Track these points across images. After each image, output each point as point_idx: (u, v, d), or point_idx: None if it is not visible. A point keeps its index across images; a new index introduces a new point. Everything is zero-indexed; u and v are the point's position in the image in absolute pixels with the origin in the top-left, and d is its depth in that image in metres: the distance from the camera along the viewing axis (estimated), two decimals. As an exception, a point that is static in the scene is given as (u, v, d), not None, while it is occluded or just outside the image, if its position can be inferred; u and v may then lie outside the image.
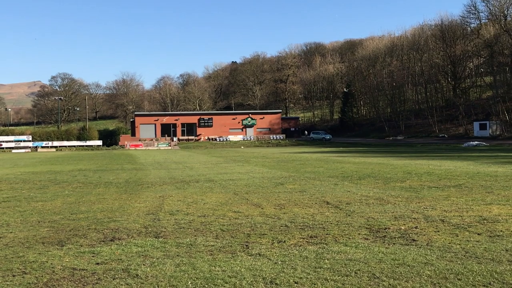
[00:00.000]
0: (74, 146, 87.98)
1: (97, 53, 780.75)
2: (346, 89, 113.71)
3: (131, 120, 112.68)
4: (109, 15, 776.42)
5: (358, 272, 6.62)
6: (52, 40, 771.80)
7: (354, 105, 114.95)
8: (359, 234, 8.99)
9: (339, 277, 6.40)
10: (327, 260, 7.27)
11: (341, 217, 10.72)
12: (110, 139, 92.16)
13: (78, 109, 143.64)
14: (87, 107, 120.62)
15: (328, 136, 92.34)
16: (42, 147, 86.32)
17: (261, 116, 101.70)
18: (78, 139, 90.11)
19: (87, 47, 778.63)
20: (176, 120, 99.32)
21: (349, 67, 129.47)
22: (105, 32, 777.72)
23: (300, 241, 8.52)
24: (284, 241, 8.52)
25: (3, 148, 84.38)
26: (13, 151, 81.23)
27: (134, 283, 6.30)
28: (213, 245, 8.31)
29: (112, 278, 6.53)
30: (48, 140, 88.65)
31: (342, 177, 20.58)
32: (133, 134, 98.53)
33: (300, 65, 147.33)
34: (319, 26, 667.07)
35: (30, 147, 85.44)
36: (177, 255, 7.69)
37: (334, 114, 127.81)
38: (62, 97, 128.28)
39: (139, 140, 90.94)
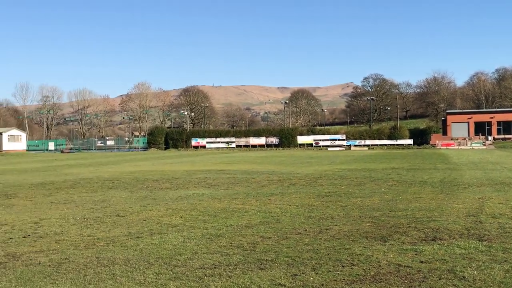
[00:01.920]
0: (385, 144, 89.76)
1: (406, 53, 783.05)
2: None
3: (443, 118, 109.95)
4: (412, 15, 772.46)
5: None
6: (363, 44, 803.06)
7: None
8: None
9: None
10: None
11: None
12: (420, 138, 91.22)
13: (388, 108, 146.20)
14: (397, 106, 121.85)
15: None
16: (355, 145, 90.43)
17: None
18: (389, 138, 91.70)
19: (397, 48, 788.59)
20: (491, 118, 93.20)
21: None
22: (408, 33, 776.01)
23: None
24: None
25: (320, 146, 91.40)
26: (329, 149, 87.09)
27: (462, 285, 6.19)
28: (546, 255, 7.60)
29: (438, 277, 6.52)
30: (360, 139, 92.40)
31: None
32: (444, 133, 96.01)
33: None
34: None
35: (344, 145, 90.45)
36: (505, 261, 7.28)
37: None
38: (373, 97, 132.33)
39: (451, 139, 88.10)
